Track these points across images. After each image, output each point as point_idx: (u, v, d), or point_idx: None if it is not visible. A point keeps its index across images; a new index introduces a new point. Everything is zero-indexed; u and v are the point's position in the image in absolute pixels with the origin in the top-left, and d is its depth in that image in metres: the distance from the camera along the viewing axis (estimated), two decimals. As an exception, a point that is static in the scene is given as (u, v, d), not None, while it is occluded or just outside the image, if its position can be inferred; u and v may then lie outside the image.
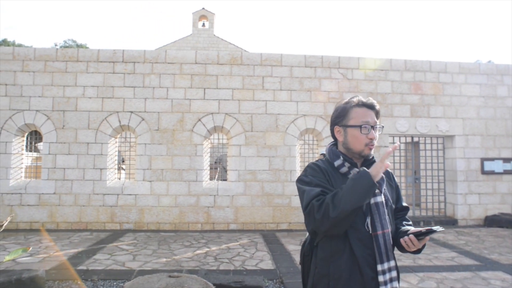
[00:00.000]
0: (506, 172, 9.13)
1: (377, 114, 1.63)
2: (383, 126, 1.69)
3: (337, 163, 1.61)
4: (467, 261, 5.71)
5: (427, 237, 1.46)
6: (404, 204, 1.78)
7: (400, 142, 9.35)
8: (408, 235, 1.53)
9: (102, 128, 8.05)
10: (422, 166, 9.72)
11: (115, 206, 7.93)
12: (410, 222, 1.75)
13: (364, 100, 1.62)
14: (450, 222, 8.86)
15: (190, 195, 8.07)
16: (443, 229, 1.42)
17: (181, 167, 8.10)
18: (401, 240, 1.54)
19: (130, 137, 10.55)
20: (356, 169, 1.58)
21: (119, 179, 10.60)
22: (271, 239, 7.17)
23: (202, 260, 5.55)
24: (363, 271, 1.48)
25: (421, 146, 9.77)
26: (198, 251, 6.08)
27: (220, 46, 20.85)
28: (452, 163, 9.20)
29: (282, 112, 8.45)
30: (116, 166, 8.69)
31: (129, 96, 8.14)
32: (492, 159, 9.11)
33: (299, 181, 1.62)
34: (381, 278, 1.48)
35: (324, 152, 1.76)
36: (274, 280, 4.69)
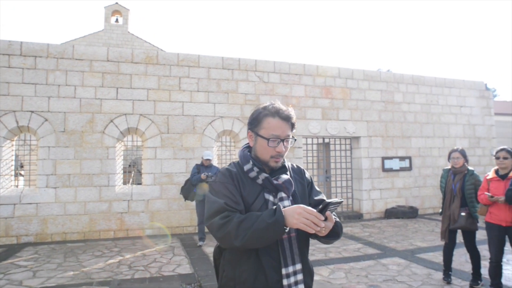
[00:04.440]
0: (402, 169, 10.27)
1: (292, 126, 1.60)
2: (295, 140, 1.67)
3: (246, 167, 1.61)
4: (371, 250, 6.28)
5: (329, 212, 1.41)
6: (319, 197, 1.73)
7: (312, 143, 9.92)
8: None
9: (-6, 129, 7.11)
10: (332, 165, 10.44)
11: (10, 217, 7.05)
12: None
13: (280, 110, 1.58)
14: (356, 216, 9.66)
15: (101, 201, 7.55)
16: (341, 200, 1.43)
17: (91, 172, 7.53)
18: None
19: (30, 140, 9.49)
20: (265, 174, 1.57)
21: (17, 186, 9.49)
22: (189, 242, 7.05)
23: (115, 269, 5.22)
24: (268, 274, 1.49)
25: (331, 147, 10.48)
26: (111, 261, 5.71)
27: (135, 44, 19.91)
28: (358, 162, 10.04)
29: (200, 114, 8.37)
30: (13, 172, 7.76)
31: (29, 94, 7.31)
32: (391, 158, 10.16)
33: (209, 186, 1.62)
34: (285, 282, 1.50)
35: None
36: (192, 284, 4.62)
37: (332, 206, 1.39)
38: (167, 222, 7.92)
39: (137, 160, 12.42)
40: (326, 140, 10.48)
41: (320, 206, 1.41)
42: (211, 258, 5.75)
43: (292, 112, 1.62)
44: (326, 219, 1.41)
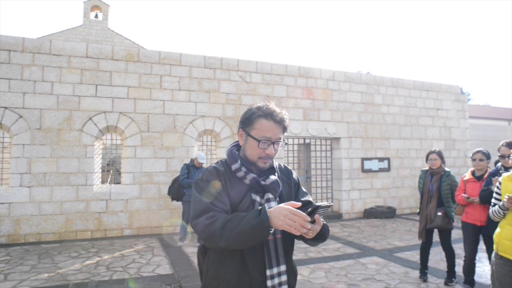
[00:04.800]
0: (381, 170, 10.45)
1: (284, 129, 1.59)
2: (286, 143, 1.67)
3: (234, 166, 1.59)
4: (350, 250, 6.37)
5: (317, 216, 1.41)
6: (305, 198, 1.71)
7: (293, 143, 9.98)
8: None
9: (-35, 125, 6.83)
10: (313, 165, 10.52)
11: (-18, 217, 6.79)
12: None
13: (274, 112, 1.56)
14: (336, 216, 9.77)
15: (78, 201, 7.36)
16: (330, 204, 1.42)
17: (69, 170, 7.33)
18: None
19: (3, 137, 9.16)
20: (253, 175, 1.56)
21: (-11, 185, 9.16)
22: (169, 242, 6.96)
23: (92, 271, 5.10)
24: (252, 275, 1.49)
25: (312, 147, 10.57)
26: (88, 262, 5.57)
27: (115, 41, 19.50)
28: (338, 162, 10.16)
29: (181, 113, 8.28)
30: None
31: (2, 89, 7.05)
32: (370, 159, 10.33)
33: (195, 184, 1.59)
34: (269, 283, 1.49)
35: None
36: (173, 285, 4.56)
37: (321, 209, 1.39)
38: (147, 222, 7.80)
39: (116, 159, 12.18)
40: (307, 141, 10.56)
41: (309, 209, 1.39)
42: (192, 258, 5.72)
43: (285, 115, 1.60)
44: (314, 222, 1.41)
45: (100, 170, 8.35)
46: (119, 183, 9.06)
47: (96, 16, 19.88)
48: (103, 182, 9.17)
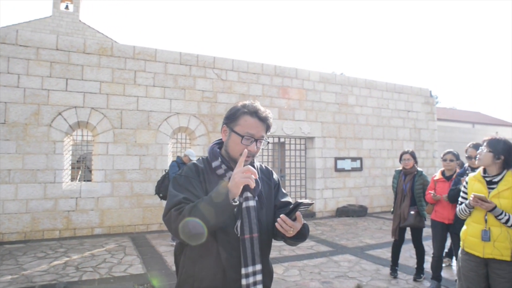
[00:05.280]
0: (353, 169, 10.67)
1: (268, 127, 1.63)
2: (268, 142, 1.69)
3: (214, 164, 1.59)
4: (323, 248, 6.46)
5: (298, 213, 1.42)
6: (285, 199, 1.73)
7: (268, 142, 9.99)
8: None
9: None
10: (287, 165, 10.61)
11: None
12: None
13: (259, 110, 1.59)
14: (309, 215, 9.89)
15: (46, 199, 7.08)
16: (312, 202, 1.44)
17: (36, 167, 7.04)
18: (276, 224, 1.46)
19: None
20: (232, 173, 1.55)
21: None
22: (141, 241, 6.83)
23: (60, 271, 4.92)
24: (227, 273, 1.48)
25: (287, 147, 10.65)
26: (56, 262, 5.38)
27: (87, 34, 18.87)
28: (312, 162, 10.29)
29: (155, 109, 8.13)
30: None
31: (-36, 81, 6.68)
32: (343, 158, 10.53)
33: (173, 180, 1.58)
34: (243, 282, 1.48)
35: None
36: (145, 285, 4.47)
37: (303, 206, 1.40)
38: (118, 221, 7.62)
39: (87, 155, 11.80)
40: (282, 140, 10.63)
41: (291, 206, 1.41)
42: (165, 258, 5.64)
43: (270, 114, 1.64)
44: (295, 219, 1.42)
45: (70, 167, 8.08)
46: (89, 180, 8.79)
47: (67, 7, 19.15)
48: (73, 179, 8.87)
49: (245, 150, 1.49)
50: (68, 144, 7.88)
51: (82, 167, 11.48)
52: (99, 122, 7.60)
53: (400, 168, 4.93)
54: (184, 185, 1.51)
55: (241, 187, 1.41)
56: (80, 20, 19.17)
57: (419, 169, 4.81)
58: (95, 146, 7.83)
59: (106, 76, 7.72)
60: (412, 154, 4.78)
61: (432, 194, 4.32)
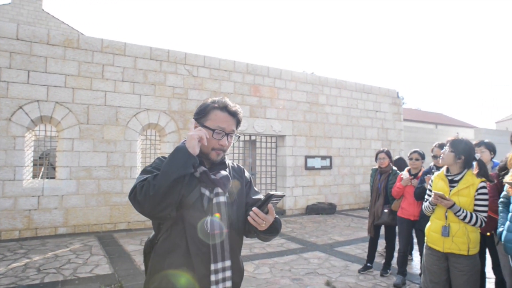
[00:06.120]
0: (323, 167, 10.86)
1: (238, 122, 1.66)
2: (239, 137, 1.72)
3: None
4: (293, 245, 6.53)
5: (271, 205, 1.43)
6: (257, 197, 1.75)
7: (239, 140, 9.98)
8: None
9: None
10: (258, 162, 10.63)
11: None
12: None
13: (229, 105, 1.63)
14: (280, 212, 9.97)
15: (5, 197, 6.72)
16: (283, 194, 1.45)
17: (-7, 164, 6.67)
18: (248, 218, 1.48)
19: None
20: (203, 168, 1.56)
21: None
22: (108, 241, 6.63)
23: (20, 274, 4.69)
24: (196, 268, 1.48)
25: (258, 144, 10.67)
26: (15, 264, 5.12)
27: (51, 24, 18.06)
28: (283, 160, 10.37)
29: (124, 105, 7.91)
30: None
31: None
32: (313, 157, 10.68)
33: (142, 170, 1.58)
34: (212, 277, 1.49)
35: None
36: (113, 285, 4.34)
37: (275, 198, 1.41)
38: (84, 220, 7.36)
39: (50, 151, 11.31)
40: (253, 138, 10.64)
41: (263, 198, 1.42)
42: (133, 257, 5.51)
43: (239, 109, 1.68)
44: (267, 212, 1.42)
45: (32, 164, 7.72)
46: (53, 178, 8.43)
47: (29, -5, 18.22)
48: (34, 176, 8.46)
49: (200, 128, 1.54)
50: (30, 139, 7.53)
51: (45, 164, 10.99)
52: (64, 117, 7.30)
53: (376, 166, 5.06)
54: (152, 171, 1.52)
55: (197, 141, 1.48)
56: (43, 10, 18.32)
57: (394, 168, 4.96)
58: (60, 142, 7.51)
59: (72, 69, 7.42)
60: (388, 153, 4.92)
61: (403, 175, 4.47)
